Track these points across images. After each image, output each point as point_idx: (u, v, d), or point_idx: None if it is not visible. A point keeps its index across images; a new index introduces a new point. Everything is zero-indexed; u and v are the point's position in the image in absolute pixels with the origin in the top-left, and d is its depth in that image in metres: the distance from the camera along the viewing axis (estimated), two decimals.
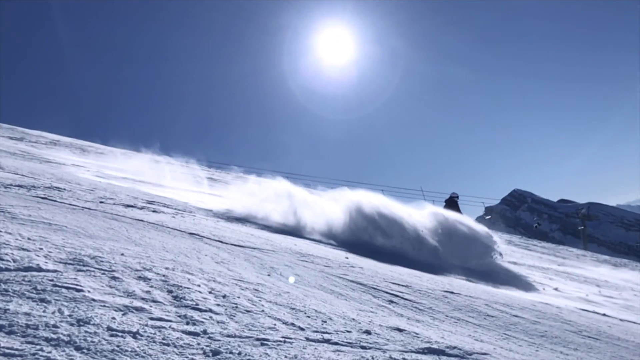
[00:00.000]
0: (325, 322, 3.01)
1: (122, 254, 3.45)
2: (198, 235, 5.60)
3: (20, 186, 6.46)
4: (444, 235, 10.69)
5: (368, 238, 9.75)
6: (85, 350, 1.92)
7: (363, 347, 2.69)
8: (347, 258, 6.78)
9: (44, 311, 2.18)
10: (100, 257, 3.21)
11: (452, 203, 15.16)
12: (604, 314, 7.56)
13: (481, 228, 11.90)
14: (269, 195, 10.73)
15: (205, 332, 2.37)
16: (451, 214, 12.09)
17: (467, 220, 12.31)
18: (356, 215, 10.03)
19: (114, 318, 2.27)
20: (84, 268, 2.90)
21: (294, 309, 3.15)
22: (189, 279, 3.18)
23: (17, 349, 1.81)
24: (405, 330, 3.27)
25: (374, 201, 10.71)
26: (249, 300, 3.08)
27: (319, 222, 9.76)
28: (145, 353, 2.01)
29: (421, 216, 11.33)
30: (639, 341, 5.58)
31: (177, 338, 2.23)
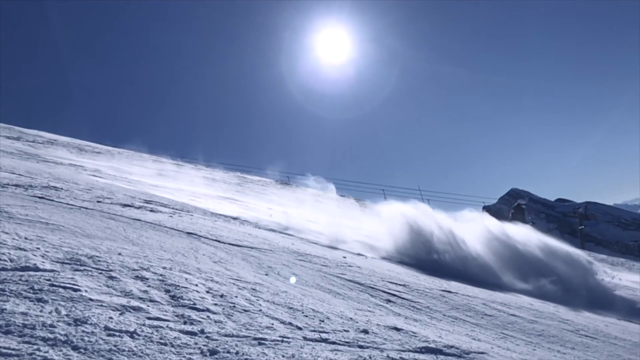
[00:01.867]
0: (322, 321, 3.02)
1: (120, 254, 3.45)
2: (195, 234, 5.60)
3: (17, 185, 6.44)
4: (515, 261, 9.24)
5: (431, 260, 9.03)
6: (82, 350, 1.91)
7: (361, 347, 2.70)
8: (344, 257, 6.78)
9: (41, 311, 2.18)
10: (97, 256, 3.21)
11: (519, 212, 13.21)
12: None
13: (570, 253, 10.06)
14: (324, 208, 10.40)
15: (202, 331, 2.37)
16: (517, 233, 10.11)
17: (549, 240, 10.35)
18: (416, 237, 9.42)
19: (111, 318, 2.27)
20: (81, 268, 2.90)
21: (291, 308, 3.15)
22: (186, 279, 3.18)
23: (14, 349, 1.81)
24: (402, 329, 3.27)
25: (428, 220, 9.84)
26: (246, 299, 3.08)
27: (382, 241, 9.52)
28: (142, 353, 2.00)
29: (479, 234, 9.85)
30: (636, 340, 5.59)
31: (175, 337, 2.23)
